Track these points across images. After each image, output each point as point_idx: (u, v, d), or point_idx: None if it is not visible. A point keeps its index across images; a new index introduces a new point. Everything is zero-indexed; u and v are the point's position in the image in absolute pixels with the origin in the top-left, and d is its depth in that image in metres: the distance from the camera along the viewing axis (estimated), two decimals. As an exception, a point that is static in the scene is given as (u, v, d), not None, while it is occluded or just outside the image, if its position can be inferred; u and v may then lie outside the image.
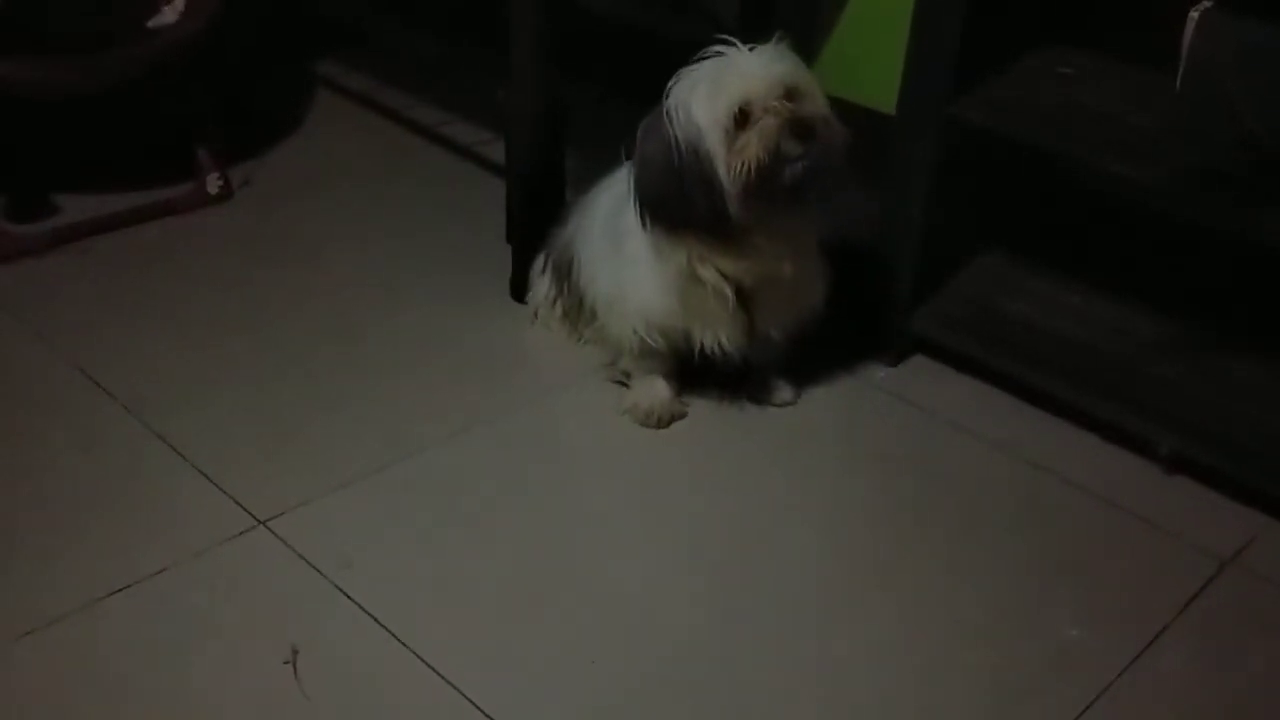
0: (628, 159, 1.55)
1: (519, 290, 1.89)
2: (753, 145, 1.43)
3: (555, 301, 1.80)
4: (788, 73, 1.46)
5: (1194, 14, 1.46)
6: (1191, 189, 1.51)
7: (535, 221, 1.84)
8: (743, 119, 1.44)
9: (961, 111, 1.63)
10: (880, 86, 1.84)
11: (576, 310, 1.76)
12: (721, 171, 1.44)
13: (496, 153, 2.12)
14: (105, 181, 2.13)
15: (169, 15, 2.08)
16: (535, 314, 1.85)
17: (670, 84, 1.48)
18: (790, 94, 1.45)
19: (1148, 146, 1.54)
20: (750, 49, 1.48)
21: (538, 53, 1.76)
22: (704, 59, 1.48)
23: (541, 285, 1.83)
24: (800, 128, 1.44)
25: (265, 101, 2.48)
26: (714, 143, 1.44)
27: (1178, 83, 1.50)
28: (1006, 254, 1.89)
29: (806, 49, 2.07)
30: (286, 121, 2.40)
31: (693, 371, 1.70)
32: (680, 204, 1.48)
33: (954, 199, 1.73)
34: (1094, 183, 1.62)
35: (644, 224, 1.52)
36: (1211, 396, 1.63)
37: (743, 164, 1.44)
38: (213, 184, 2.13)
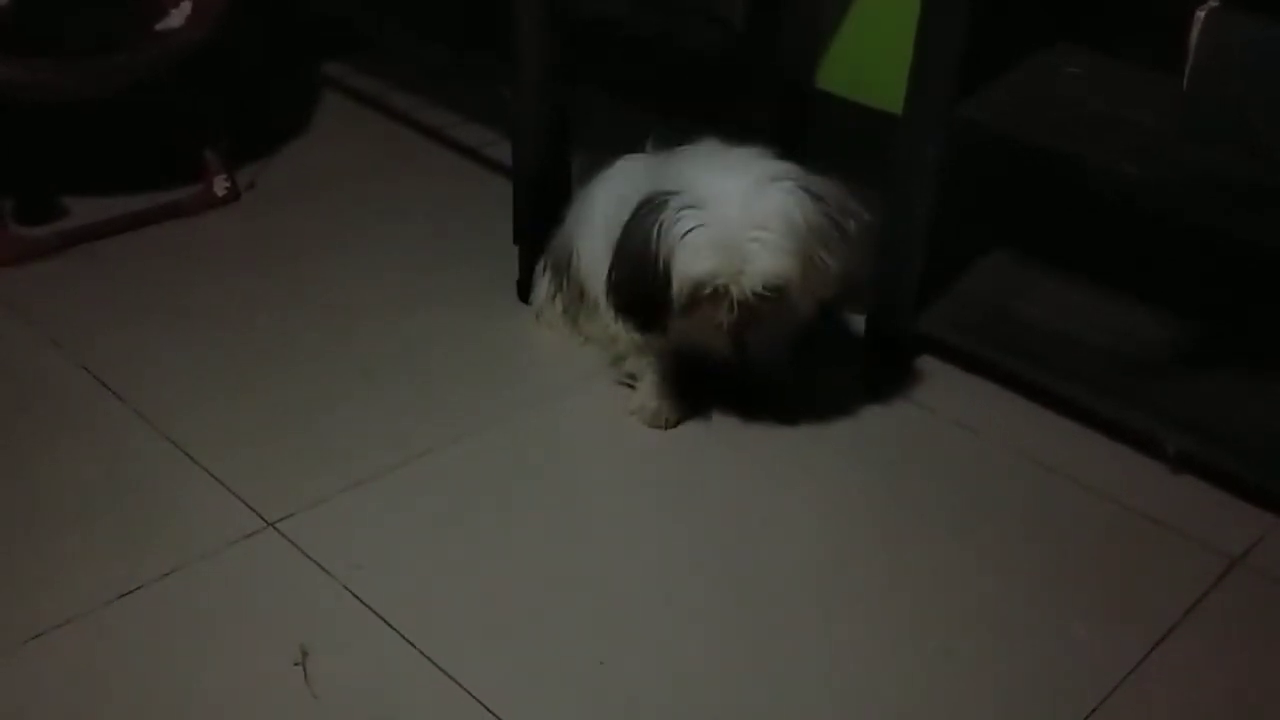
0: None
1: (526, 291, 1.89)
2: (710, 315, 1.50)
3: (555, 297, 1.81)
4: (782, 274, 1.47)
5: (1200, 14, 1.46)
6: (1199, 189, 1.51)
7: (542, 223, 1.85)
8: (715, 290, 1.48)
9: (968, 112, 1.63)
10: (886, 87, 1.84)
11: (577, 304, 1.76)
12: (673, 308, 1.50)
13: (503, 154, 2.13)
14: (112, 184, 2.14)
15: (176, 19, 2.08)
16: (538, 314, 1.85)
17: (671, 195, 1.48)
18: (771, 288, 1.48)
19: (1155, 147, 1.54)
20: (772, 193, 1.47)
21: (543, 56, 1.76)
22: (727, 158, 1.52)
23: (543, 284, 1.83)
24: (757, 316, 1.49)
25: (272, 104, 2.48)
26: (680, 290, 1.48)
27: (1184, 83, 1.50)
28: (1013, 255, 1.89)
29: (812, 50, 2.07)
30: (293, 124, 2.40)
31: (699, 373, 1.70)
32: (646, 314, 1.53)
33: (961, 200, 1.73)
34: (1101, 183, 1.62)
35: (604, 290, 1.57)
36: (1219, 396, 1.63)
37: (699, 316, 1.50)
38: (220, 186, 2.13)
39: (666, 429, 1.68)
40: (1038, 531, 1.54)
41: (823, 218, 1.49)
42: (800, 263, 1.48)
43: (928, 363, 1.82)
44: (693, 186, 1.49)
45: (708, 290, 1.48)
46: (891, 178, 1.71)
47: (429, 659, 1.33)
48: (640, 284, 1.50)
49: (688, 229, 1.47)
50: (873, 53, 1.99)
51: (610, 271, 1.55)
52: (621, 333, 1.65)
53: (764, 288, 1.47)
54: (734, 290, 1.47)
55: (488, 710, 1.28)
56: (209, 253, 2.03)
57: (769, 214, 1.47)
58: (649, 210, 1.50)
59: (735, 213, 1.47)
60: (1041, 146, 1.61)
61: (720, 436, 1.69)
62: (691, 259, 1.47)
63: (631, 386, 1.73)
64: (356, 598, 1.40)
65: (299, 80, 2.56)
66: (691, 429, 1.70)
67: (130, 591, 1.40)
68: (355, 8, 2.72)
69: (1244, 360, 1.69)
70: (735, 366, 1.66)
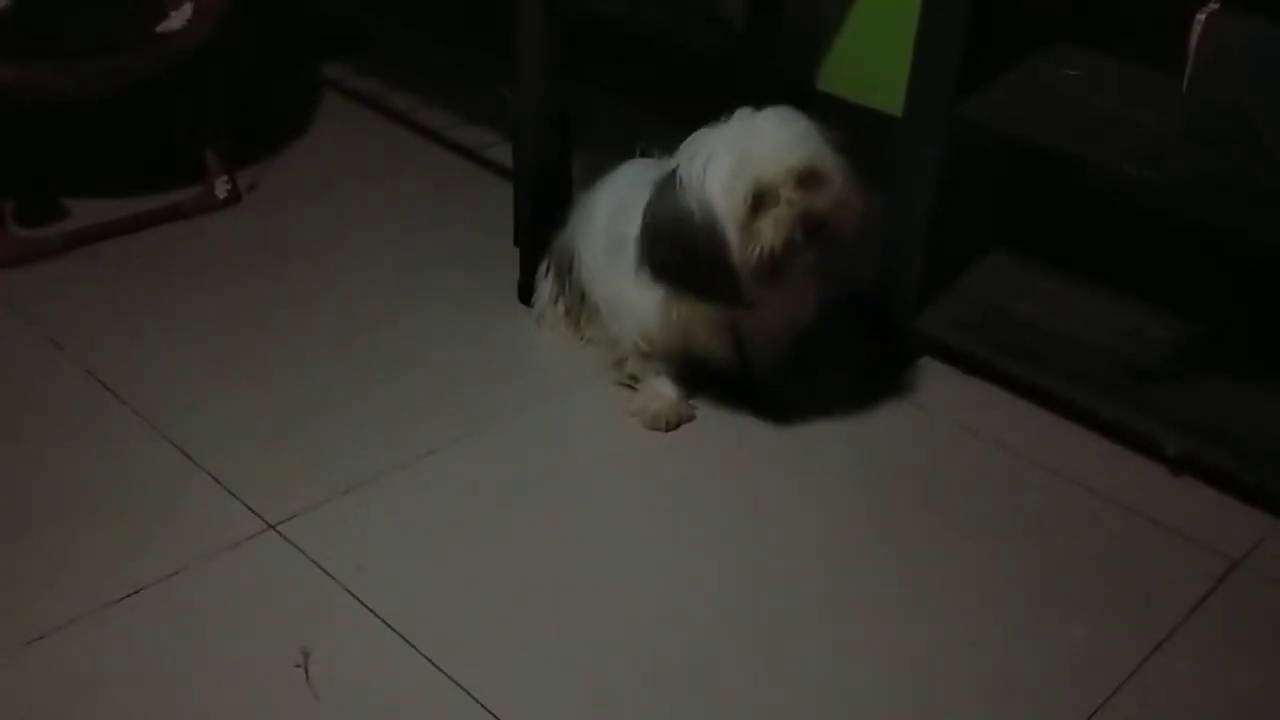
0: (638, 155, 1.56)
1: (526, 293, 1.89)
2: (766, 235, 1.44)
3: (557, 299, 1.81)
4: (805, 157, 1.45)
5: (1200, 16, 1.46)
6: (1199, 190, 1.51)
7: (542, 225, 1.85)
8: (757, 202, 1.44)
9: (968, 112, 1.63)
10: (887, 87, 1.84)
11: (579, 308, 1.77)
12: (734, 254, 1.45)
13: (504, 155, 2.13)
14: (114, 185, 2.14)
15: (177, 20, 2.08)
16: (540, 316, 1.85)
17: (686, 145, 1.48)
18: (806, 179, 1.45)
19: (1155, 147, 1.54)
20: (770, 115, 1.47)
21: (544, 57, 1.76)
22: (723, 123, 1.49)
23: (545, 286, 1.83)
24: (813, 220, 1.45)
25: (273, 105, 2.48)
26: (728, 224, 1.44)
27: (1184, 84, 1.50)
28: (1014, 255, 1.89)
29: (812, 50, 2.08)
30: (294, 125, 2.40)
31: (700, 374, 1.70)
32: (690, 273, 1.49)
33: (961, 200, 1.73)
34: (1102, 184, 1.62)
35: (652, 279, 1.53)
36: (1219, 397, 1.63)
37: (756, 249, 1.45)
38: (221, 188, 2.13)
39: (667, 431, 1.69)
40: (1038, 533, 1.54)
41: (825, 132, 1.49)
42: (826, 152, 1.47)
43: (928, 364, 1.82)
44: (694, 148, 1.48)
45: (755, 209, 1.43)
46: (892, 178, 1.71)
47: (430, 661, 1.34)
48: (689, 250, 1.47)
49: (707, 166, 1.45)
50: (873, 53, 1.99)
51: (651, 260, 1.51)
52: (624, 335, 1.66)
53: (807, 173, 1.44)
54: (783, 192, 1.44)
55: (488, 712, 1.28)
56: (210, 254, 2.03)
57: (779, 123, 1.47)
58: (664, 184, 1.49)
59: (747, 134, 1.46)
60: (1042, 147, 1.61)
61: (720, 438, 1.69)
62: (726, 184, 1.44)
63: (633, 388, 1.73)
64: (357, 599, 1.41)
65: (300, 81, 2.56)
66: (692, 431, 1.70)
67: (131, 594, 1.40)
68: (356, 8, 2.73)
69: (1244, 361, 1.69)
70: (736, 368, 1.67)
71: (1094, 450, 1.66)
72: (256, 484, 1.55)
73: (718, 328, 1.61)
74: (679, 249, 1.48)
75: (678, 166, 1.48)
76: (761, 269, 1.46)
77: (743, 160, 1.44)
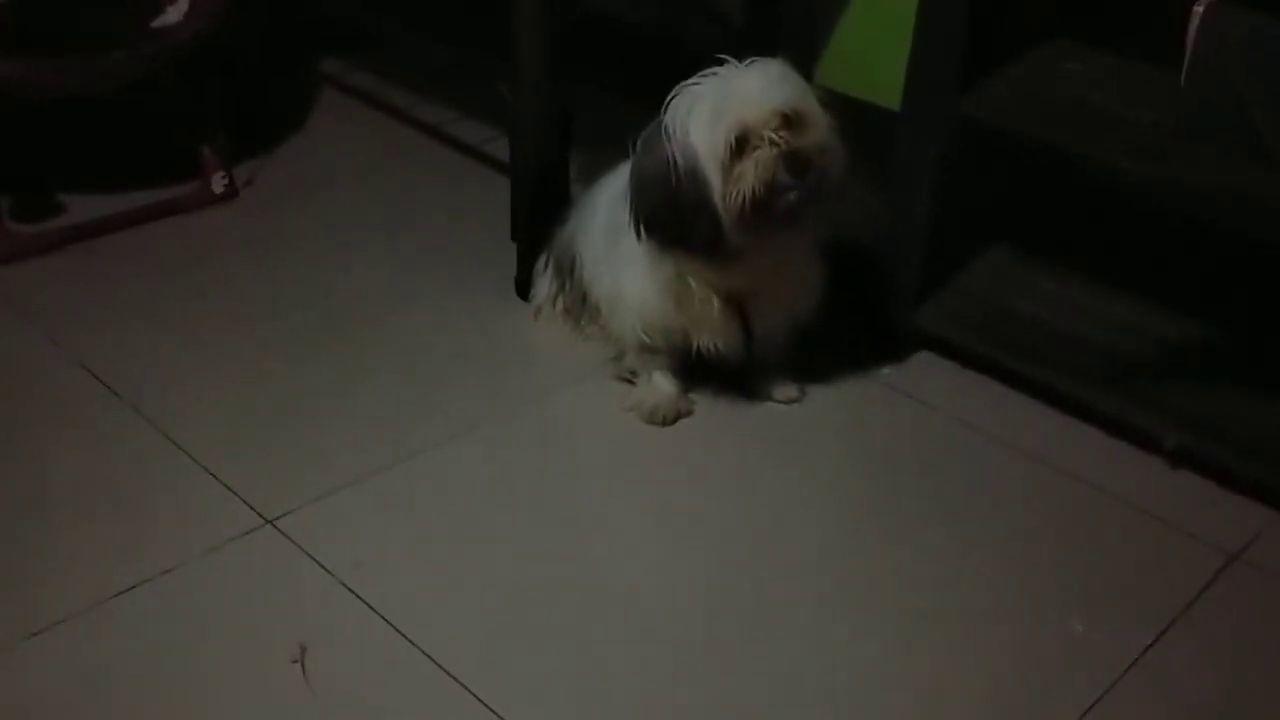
0: (632, 149, 1.55)
1: (524, 288, 1.89)
2: (749, 176, 1.44)
3: (556, 299, 1.81)
4: (788, 99, 1.45)
5: (1198, 9, 1.46)
6: (1198, 185, 1.51)
7: (540, 220, 1.85)
8: (740, 146, 1.44)
9: (967, 108, 1.63)
10: (885, 82, 1.84)
11: (579, 308, 1.76)
12: (717, 198, 1.45)
13: (501, 150, 2.13)
14: (110, 181, 2.13)
15: (173, 15, 2.08)
16: (537, 312, 1.85)
17: (670, 98, 1.48)
18: (788, 121, 1.45)
19: (1154, 143, 1.54)
20: (750, 64, 1.47)
21: (542, 53, 1.76)
22: (704, 75, 1.48)
23: (544, 283, 1.83)
24: (795, 160, 1.44)
25: (269, 101, 2.48)
26: (710, 170, 1.44)
27: (1183, 79, 1.50)
28: (1012, 250, 1.89)
29: (811, 46, 2.07)
30: (291, 120, 2.40)
31: (698, 369, 1.70)
32: (675, 224, 1.49)
33: (960, 195, 1.73)
34: (1100, 179, 1.62)
35: (638, 236, 1.53)
36: (1217, 391, 1.63)
37: (738, 193, 1.44)
38: (217, 183, 2.13)
39: (665, 426, 1.68)
40: (1035, 527, 1.55)
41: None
42: (808, 96, 1.47)
43: (927, 359, 1.82)
44: (678, 100, 1.48)
45: (738, 152, 1.43)
46: (891, 174, 1.71)
47: (428, 656, 1.33)
48: (673, 198, 1.46)
49: (689, 111, 1.45)
50: (872, 49, 1.99)
51: (638, 214, 1.51)
52: (625, 331, 1.65)
53: (788, 115, 1.44)
54: (766, 133, 1.43)
55: (486, 707, 1.28)
56: (207, 250, 2.03)
57: (762, 70, 1.47)
58: (649, 137, 1.49)
59: (729, 81, 1.46)
60: (1041, 143, 1.61)
61: (718, 433, 1.69)
62: (708, 127, 1.44)
63: (631, 382, 1.73)
64: (355, 595, 1.40)
65: (297, 77, 2.56)
66: (689, 425, 1.70)
67: (129, 589, 1.40)
68: (355, 5, 2.72)
69: (1243, 356, 1.69)
70: (734, 362, 1.66)
71: (1093, 445, 1.66)
72: (254, 480, 1.55)
73: (720, 312, 1.60)
74: (664, 198, 1.47)
75: (662, 119, 1.48)
76: (745, 212, 1.45)
77: (724, 104, 1.44)
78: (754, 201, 1.44)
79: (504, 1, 1.75)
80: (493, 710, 1.28)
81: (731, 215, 1.45)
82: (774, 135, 1.44)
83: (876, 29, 1.98)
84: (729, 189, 1.44)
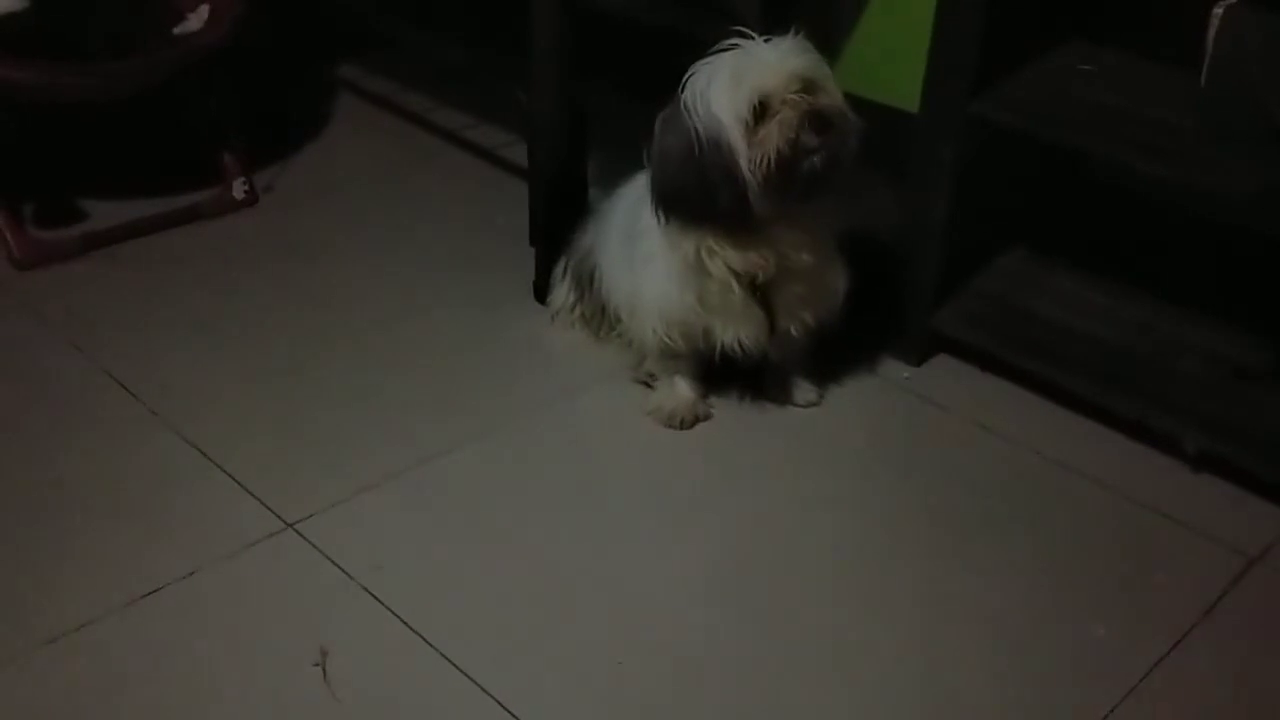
0: (647, 158, 1.55)
1: (542, 292, 1.89)
2: (773, 137, 1.44)
3: (575, 307, 1.81)
4: (805, 65, 1.47)
5: (1218, 10, 1.46)
6: (1216, 186, 1.51)
7: (558, 224, 1.85)
8: (761, 111, 1.45)
9: (984, 109, 1.62)
10: (902, 85, 1.84)
11: (598, 317, 1.77)
12: (742, 163, 1.45)
13: (519, 155, 2.13)
14: (132, 187, 2.15)
15: (194, 22, 2.10)
16: (555, 315, 1.85)
17: (687, 76, 1.49)
18: (807, 86, 1.46)
19: (1171, 143, 1.53)
20: (766, 40, 1.48)
21: (559, 57, 1.77)
22: (721, 51, 1.49)
23: (561, 290, 1.83)
24: (818, 120, 1.45)
25: (289, 106, 2.49)
26: (734, 135, 1.45)
27: (1202, 79, 1.50)
28: (1030, 252, 1.88)
29: (828, 48, 2.07)
30: (310, 126, 2.41)
31: (716, 373, 1.70)
32: (701, 196, 1.48)
33: (977, 197, 1.72)
34: (1118, 180, 1.62)
35: (661, 218, 1.53)
36: (1238, 394, 1.62)
37: (763, 156, 1.45)
38: (238, 189, 2.14)
39: (683, 429, 1.69)
40: (1056, 530, 1.54)
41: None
42: (823, 66, 1.47)
43: (944, 361, 1.81)
44: (696, 76, 1.48)
45: (759, 118, 1.44)
46: (908, 176, 1.71)
47: (448, 659, 1.34)
48: (697, 170, 1.46)
49: (709, 81, 1.46)
50: (888, 51, 1.98)
51: (660, 193, 1.51)
52: (645, 335, 1.64)
53: (807, 81, 1.45)
54: (788, 95, 1.44)
55: (506, 710, 1.28)
56: (228, 255, 2.04)
57: (776, 41, 1.48)
58: (668, 115, 1.49)
59: (745, 53, 1.47)
60: (1058, 144, 1.61)
61: (736, 436, 1.69)
62: (728, 95, 1.44)
63: (649, 385, 1.73)
64: (375, 598, 1.41)
65: (315, 83, 2.57)
66: (708, 429, 1.70)
67: (150, 593, 1.40)
68: (371, 8, 2.73)
69: (1263, 358, 1.68)
70: (756, 358, 1.65)
71: (1113, 447, 1.66)
72: (274, 483, 1.56)
73: (741, 301, 1.58)
74: (688, 171, 1.47)
75: (681, 97, 1.48)
76: (770, 176, 1.45)
77: (744, 71, 1.45)
78: (779, 162, 1.45)
79: (521, 3, 1.75)
80: (512, 713, 1.28)
81: (758, 179, 1.46)
82: (795, 97, 1.45)
83: (893, 30, 1.98)
84: (753, 152, 1.45)
